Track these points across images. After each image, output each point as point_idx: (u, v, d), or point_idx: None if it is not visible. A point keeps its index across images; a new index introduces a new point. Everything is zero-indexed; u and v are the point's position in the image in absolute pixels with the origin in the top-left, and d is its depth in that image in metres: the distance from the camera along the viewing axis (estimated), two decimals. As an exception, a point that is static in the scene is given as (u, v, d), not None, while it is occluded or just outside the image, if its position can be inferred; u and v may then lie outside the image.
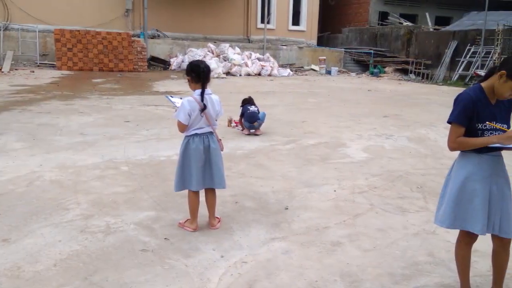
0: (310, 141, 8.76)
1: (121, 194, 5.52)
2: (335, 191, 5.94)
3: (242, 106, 9.54)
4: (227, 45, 25.12)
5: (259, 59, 25.31)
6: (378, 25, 33.42)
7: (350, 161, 7.47)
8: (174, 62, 24.07)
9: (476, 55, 23.30)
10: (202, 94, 4.32)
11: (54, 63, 21.67)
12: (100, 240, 4.27)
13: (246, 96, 9.93)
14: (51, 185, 5.76)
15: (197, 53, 23.51)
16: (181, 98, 4.70)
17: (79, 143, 7.92)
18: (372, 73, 28.00)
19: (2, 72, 19.01)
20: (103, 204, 5.19)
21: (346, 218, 5.02)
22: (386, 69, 28.34)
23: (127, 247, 4.13)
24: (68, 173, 6.28)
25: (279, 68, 25.67)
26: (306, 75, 26.34)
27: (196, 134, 4.39)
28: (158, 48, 24.87)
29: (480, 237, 3.30)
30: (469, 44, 24.07)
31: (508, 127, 3.12)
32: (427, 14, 33.18)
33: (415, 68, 26.61)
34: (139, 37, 24.13)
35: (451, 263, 3.78)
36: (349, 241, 4.43)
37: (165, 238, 4.35)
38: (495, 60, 21.87)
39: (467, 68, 23.73)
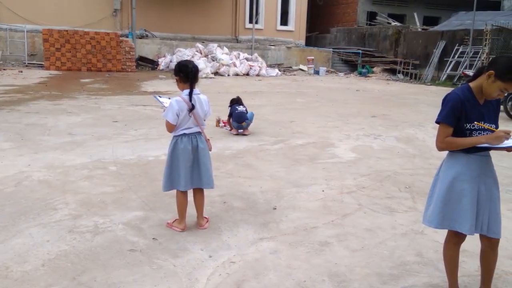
0: (298, 141, 8.77)
1: (109, 194, 5.50)
2: (323, 191, 5.95)
3: (230, 106, 9.52)
4: (215, 45, 25.10)
5: (247, 59, 25.31)
6: (366, 25, 33.53)
7: (338, 161, 7.49)
8: (162, 62, 24.03)
9: (465, 55, 23.44)
10: (190, 94, 4.31)
11: (43, 63, 21.54)
12: (88, 240, 4.25)
13: (234, 96, 9.91)
14: (39, 185, 5.72)
15: (185, 53, 23.48)
16: (169, 98, 4.68)
17: (67, 143, 7.87)
18: (360, 73, 28.08)
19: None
20: (92, 204, 5.16)
21: (334, 218, 5.03)
22: (374, 69, 28.45)
23: (115, 247, 4.11)
24: (56, 173, 6.24)
25: (268, 68, 25.68)
26: (294, 75, 26.36)
27: (184, 134, 4.38)
28: (146, 48, 24.80)
29: (468, 237, 3.32)
30: (457, 44, 24.21)
31: (497, 127, 3.14)
32: (415, 14, 33.37)
33: (403, 68, 26.73)
34: (127, 37, 24.04)
35: (440, 263, 3.80)
36: (337, 241, 4.44)
37: (154, 238, 4.33)
38: (483, 60, 22.01)
39: (455, 68, 23.84)
